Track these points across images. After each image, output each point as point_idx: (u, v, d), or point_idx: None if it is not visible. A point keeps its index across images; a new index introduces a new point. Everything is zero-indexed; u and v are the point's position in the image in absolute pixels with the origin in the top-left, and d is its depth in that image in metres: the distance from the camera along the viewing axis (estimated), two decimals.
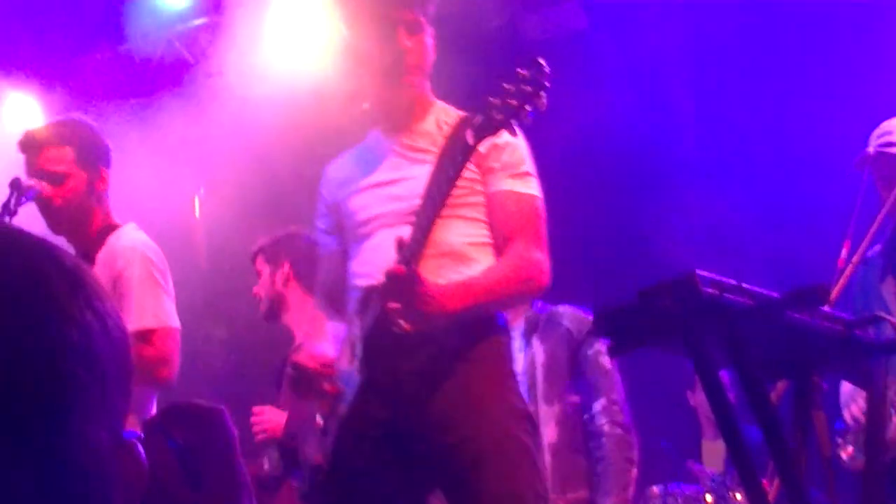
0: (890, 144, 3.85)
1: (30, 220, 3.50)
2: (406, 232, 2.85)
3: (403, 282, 2.67)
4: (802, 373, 2.73)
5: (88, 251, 3.58)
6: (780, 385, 3.37)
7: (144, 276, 3.52)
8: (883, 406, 2.71)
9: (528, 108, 2.62)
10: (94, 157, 3.67)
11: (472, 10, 3.12)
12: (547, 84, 2.62)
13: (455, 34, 3.12)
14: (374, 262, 2.93)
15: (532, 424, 2.89)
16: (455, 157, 2.72)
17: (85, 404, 0.83)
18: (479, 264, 2.92)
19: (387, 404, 2.82)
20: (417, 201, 2.92)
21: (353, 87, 3.19)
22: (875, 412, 2.70)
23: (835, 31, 5.97)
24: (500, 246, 2.97)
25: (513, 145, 3.03)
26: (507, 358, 2.94)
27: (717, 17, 6.26)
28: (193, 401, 3.76)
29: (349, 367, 2.89)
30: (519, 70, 2.62)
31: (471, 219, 2.97)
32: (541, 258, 2.95)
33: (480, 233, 2.96)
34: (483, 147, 2.95)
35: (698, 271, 2.27)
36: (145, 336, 3.46)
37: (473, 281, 2.85)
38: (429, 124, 3.11)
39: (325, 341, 3.09)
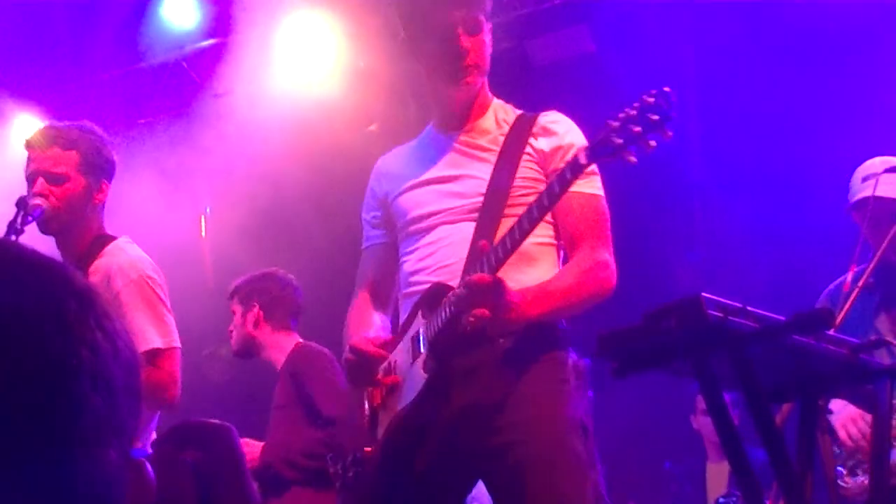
0: (870, 186, 3.85)
1: (35, 240, 3.50)
2: (468, 230, 2.88)
3: (489, 290, 2.61)
4: (808, 395, 2.73)
5: (80, 261, 3.55)
6: (786, 407, 3.37)
7: (146, 295, 3.48)
8: (887, 431, 2.70)
9: (651, 139, 2.46)
10: (98, 167, 3.62)
11: None
12: (674, 115, 2.46)
13: None
14: (436, 257, 2.94)
15: (586, 433, 2.86)
16: (562, 174, 2.61)
17: (93, 423, 0.83)
18: (543, 264, 2.91)
19: (448, 405, 2.81)
20: (479, 199, 2.93)
21: (413, 87, 3.17)
22: (879, 437, 2.69)
23: (843, 54, 5.98)
24: (565, 247, 2.96)
25: (577, 144, 2.96)
26: (566, 365, 2.90)
27: (724, 36, 6.28)
28: (202, 419, 3.76)
29: (409, 363, 2.86)
30: (644, 96, 2.49)
31: None
32: (608, 259, 2.91)
33: (545, 233, 2.93)
34: (547, 147, 2.98)
35: (704, 294, 2.27)
36: (151, 358, 3.42)
37: (550, 286, 2.81)
38: (488, 122, 3.10)
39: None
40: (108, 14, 6.92)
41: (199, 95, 7.19)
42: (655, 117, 2.46)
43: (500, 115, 3.12)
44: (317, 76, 6.88)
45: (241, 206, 7.03)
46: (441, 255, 2.93)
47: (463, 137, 3.09)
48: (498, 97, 3.16)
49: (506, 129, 3.06)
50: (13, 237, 3.44)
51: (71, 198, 3.55)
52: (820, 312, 2.32)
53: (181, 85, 7.32)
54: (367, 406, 3.02)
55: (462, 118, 3.11)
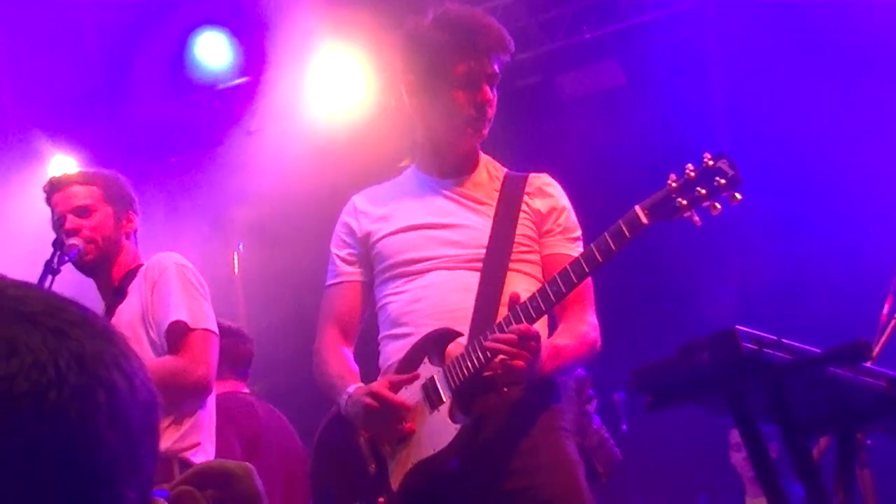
0: None
1: (70, 285, 3.52)
2: (468, 278, 2.94)
3: (534, 340, 2.67)
4: (845, 429, 2.69)
5: (121, 287, 3.56)
6: (823, 441, 3.32)
7: (181, 278, 3.47)
8: None
9: (717, 201, 2.54)
10: (120, 198, 3.66)
11: (509, 66, 3.12)
12: (742, 179, 2.52)
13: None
14: (430, 301, 2.96)
15: (584, 473, 2.97)
16: (618, 230, 2.64)
17: (110, 463, 0.83)
18: None
19: (470, 450, 2.83)
20: (479, 251, 2.98)
21: (428, 136, 3.18)
22: None
23: (882, 84, 5.95)
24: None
25: (568, 209, 3.12)
26: (564, 413, 3.01)
27: (754, 69, 6.26)
28: (221, 460, 3.73)
29: (427, 411, 2.87)
30: (707, 158, 2.55)
31: (529, 275, 3.02)
32: (596, 322, 3.02)
33: (531, 287, 2.95)
34: (544, 208, 3.07)
35: (738, 327, 2.25)
36: (177, 336, 3.36)
37: (559, 346, 2.89)
38: (482, 175, 3.17)
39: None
40: (141, 53, 7.00)
41: (232, 132, 7.24)
42: (722, 181, 2.53)
43: (491, 170, 3.19)
44: (348, 113, 6.91)
45: (273, 243, 7.05)
46: (438, 300, 2.96)
47: (459, 188, 3.13)
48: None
49: (497, 184, 3.13)
50: (50, 277, 3.47)
51: (102, 227, 3.59)
52: (856, 344, 2.29)
53: (214, 122, 7.38)
54: (366, 454, 2.99)
55: (458, 166, 3.16)
